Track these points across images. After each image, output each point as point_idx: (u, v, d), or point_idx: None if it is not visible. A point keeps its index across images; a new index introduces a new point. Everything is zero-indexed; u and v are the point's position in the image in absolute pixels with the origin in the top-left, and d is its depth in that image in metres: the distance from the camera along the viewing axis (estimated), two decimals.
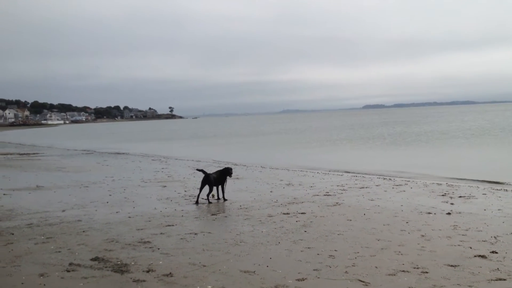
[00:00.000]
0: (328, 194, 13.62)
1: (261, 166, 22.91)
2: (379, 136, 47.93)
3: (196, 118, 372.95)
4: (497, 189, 13.94)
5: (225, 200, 12.74)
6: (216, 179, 12.64)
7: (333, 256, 7.38)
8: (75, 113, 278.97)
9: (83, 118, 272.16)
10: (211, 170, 14.74)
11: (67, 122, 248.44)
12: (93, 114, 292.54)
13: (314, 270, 6.71)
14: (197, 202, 12.42)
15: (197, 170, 13.96)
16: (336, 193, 13.68)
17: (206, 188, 12.51)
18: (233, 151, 37.27)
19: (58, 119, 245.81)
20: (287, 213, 10.84)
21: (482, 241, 8.14)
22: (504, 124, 58.50)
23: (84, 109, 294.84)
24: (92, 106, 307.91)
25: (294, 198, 12.92)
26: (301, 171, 20.61)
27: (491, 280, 6.18)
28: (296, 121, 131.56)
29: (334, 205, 11.84)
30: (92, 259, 7.41)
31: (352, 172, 19.69)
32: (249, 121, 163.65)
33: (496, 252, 7.40)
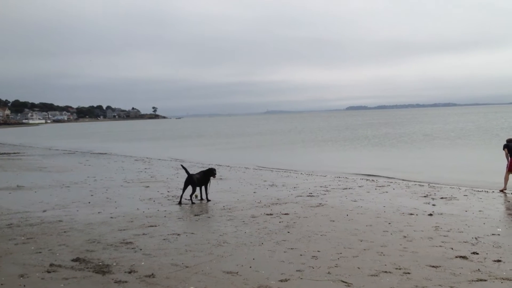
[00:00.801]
0: (311, 195, 13.65)
1: (245, 167, 22.90)
2: (363, 137, 48.18)
3: (180, 118, 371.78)
4: (478, 191, 14.08)
5: (208, 200, 12.70)
6: (199, 179, 12.62)
7: (316, 256, 7.39)
8: (57, 112, 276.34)
9: (65, 118, 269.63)
10: (194, 170, 14.72)
11: (49, 121, 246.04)
12: (75, 114, 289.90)
13: (297, 270, 6.71)
14: (180, 203, 12.37)
15: (182, 166, 13.95)
16: (320, 194, 13.71)
17: (189, 188, 12.47)
18: (216, 151, 37.22)
19: (39, 119, 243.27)
20: (271, 214, 10.84)
21: (463, 242, 8.21)
22: (487, 126, 59.17)
23: (66, 109, 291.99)
24: (74, 106, 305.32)
25: (278, 199, 12.93)
26: (285, 171, 20.64)
27: (472, 280, 6.23)
28: (280, 122, 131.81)
29: (317, 206, 11.87)
30: (73, 260, 7.33)
31: (335, 173, 19.76)
32: (233, 122, 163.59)
33: (477, 253, 7.47)
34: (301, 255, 7.51)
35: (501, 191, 13.97)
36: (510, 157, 14.21)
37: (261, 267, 6.88)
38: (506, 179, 14.19)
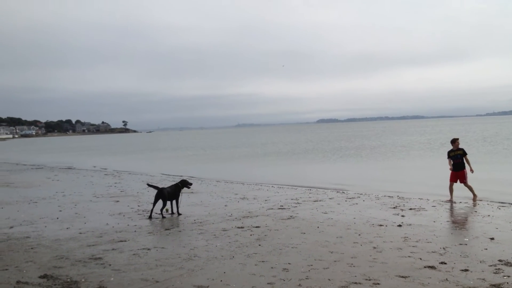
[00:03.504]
0: (282, 207, 13.69)
1: (216, 180, 22.84)
2: (335, 149, 48.51)
3: (150, 132, 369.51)
4: (446, 202, 14.31)
5: (179, 214, 12.63)
6: (170, 193, 12.55)
7: (287, 269, 7.41)
8: (25, 127, 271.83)
9: (33, 132, 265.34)
10: (165, 184, 14.62)
11: (16, 136, 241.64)
12: (43, 128, 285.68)
13: (268, 283, 6.71)
14: (150, 217, 12.27)
15: (148, 185, 13.86)
16: (291, 207, 13.76)
17: (160, 202, 12.39)
18: (188, 165, 37.00)
19: (6, 133, 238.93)
20: (242, 227, 10.83)
21: (432, 252, 8.34)
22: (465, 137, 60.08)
23: (34, 123, 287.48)
24: (43, 120, 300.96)
25: (249, 212, 12.93)
26: (256, 184, 20.65)
27: None
28: (252, 135, 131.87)
29: (288, 218, 11.91)
30: (41, 277, 7.20)
31: (306, 186, 19.85)
32: (205, 135, 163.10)
33: (445, 263, 7.59)
34: (272, 267, 7.52)
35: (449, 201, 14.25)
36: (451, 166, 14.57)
37: (232, 281, 6.87)
38: (451, 189, 14.51)
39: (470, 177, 14.59)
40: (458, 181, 14.61)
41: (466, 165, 14.51)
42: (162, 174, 27.46)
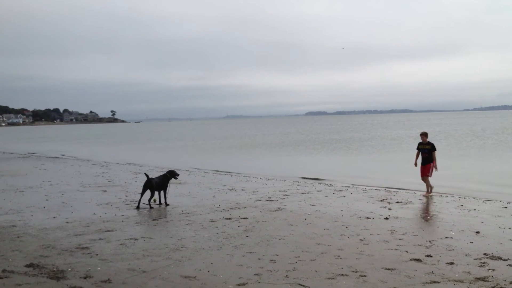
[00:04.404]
0: (270, 199, 13.71)
1: (204, 171, 22.83)
2: (325, 142, 48.63)
3: (139, 122, 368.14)
4: (433, 195, 14.41)
5: (167, 205, 12.60)
6: (158, 183, 12.51)
7: (274, 260, 7.43)
8: (12, 115, 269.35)
9: (20, 121, 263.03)
10: (153, 175, 14.57)
11: (3, 124, 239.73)
12: (31, 117, 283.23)
13: (255, 274, 6.73)
14: (138, 207, 12.23)
15: (146, 174, 13.82)
16: (279, 199, 13.78)
17: (148, 193, 12.35)
18: (176, 155, 36.95)
19: None
20: (229, 218, 10.83)
21: (418, 245, 8.40)
22: (454, 132, 60.63)
23: (22, 111, 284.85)
24: (30, 109, 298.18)
25: (237, 203, 12.93)
26: (244, 176, 20.67)
27: (426, 283, 6.38)
28: (241, 127, 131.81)
29: (276, 210, 11.93)
30: (27, 266, 7.16)
31: (294, 178, 19.90)
32: (194, 126, 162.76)
33: (431, 256, 7.65)
34: (259, 259, 7.53)
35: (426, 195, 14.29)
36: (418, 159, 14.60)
37: (219, 272, 6.87)
38: (428, 182, 14.51)
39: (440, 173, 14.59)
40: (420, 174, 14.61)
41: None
42: (149, 165, 27.32)
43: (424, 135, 14.71)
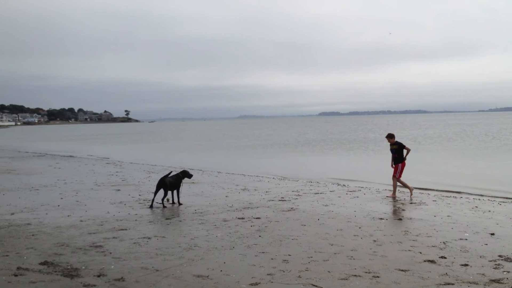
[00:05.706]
0: (283, 199, 13.70)
1: (217, 171, 22.85)
2: (338, 142, 48.43)
3: (152, 122, 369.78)
4: (447, 196, 14.32)
5: (180, 204, 12.65)
6: (172, 183, 12.55)
7: (287, 260, 7.42)
8: (27, 114, 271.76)
9: (36, 120, 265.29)
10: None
11: (19, 123, 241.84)
12: (46, 116, 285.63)
13: (267, 274, 6.73)
14: (151, 206, 12.28)
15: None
16: (291, 199, 13.77)
17: (161, 192, 12.40)
18: (189, 155, 37.02)
19: (9, 120, 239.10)
20: (242, 218, 10.84)
21: (432, 246, 8.34)
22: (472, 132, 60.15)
23: (37, 111, 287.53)
24: (45, 108, 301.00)
25: (249, 203, 12.94)
26: (257, 176, 20.66)
27: (440, 284, 6.33)
28: (256, 127, 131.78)
29: (288, 210, 11.92)
30: (41, 263, 7.22)
31: (307, 178, 19.85)
32: (208, 126, 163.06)
33: (445, 257, 7.60)
34: (272, 259, 7.53)
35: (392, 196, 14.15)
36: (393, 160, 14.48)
37: (232, 271, 6.88)
38: (403, 183, 14.37)
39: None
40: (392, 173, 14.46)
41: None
42: (162, 165, 27.41)
43: (389, 137, 14.67)
